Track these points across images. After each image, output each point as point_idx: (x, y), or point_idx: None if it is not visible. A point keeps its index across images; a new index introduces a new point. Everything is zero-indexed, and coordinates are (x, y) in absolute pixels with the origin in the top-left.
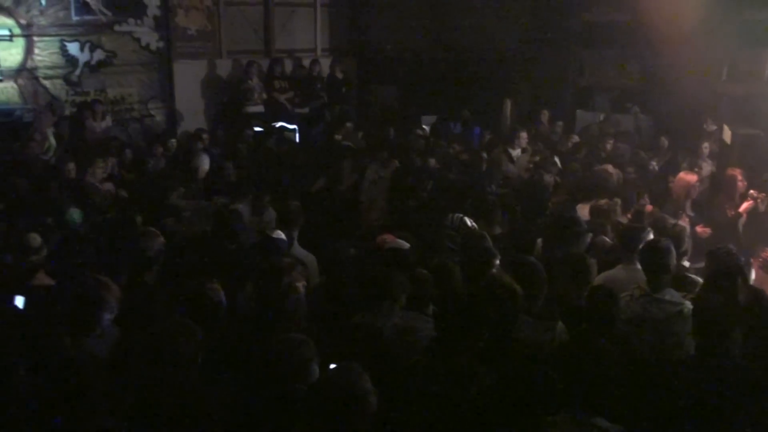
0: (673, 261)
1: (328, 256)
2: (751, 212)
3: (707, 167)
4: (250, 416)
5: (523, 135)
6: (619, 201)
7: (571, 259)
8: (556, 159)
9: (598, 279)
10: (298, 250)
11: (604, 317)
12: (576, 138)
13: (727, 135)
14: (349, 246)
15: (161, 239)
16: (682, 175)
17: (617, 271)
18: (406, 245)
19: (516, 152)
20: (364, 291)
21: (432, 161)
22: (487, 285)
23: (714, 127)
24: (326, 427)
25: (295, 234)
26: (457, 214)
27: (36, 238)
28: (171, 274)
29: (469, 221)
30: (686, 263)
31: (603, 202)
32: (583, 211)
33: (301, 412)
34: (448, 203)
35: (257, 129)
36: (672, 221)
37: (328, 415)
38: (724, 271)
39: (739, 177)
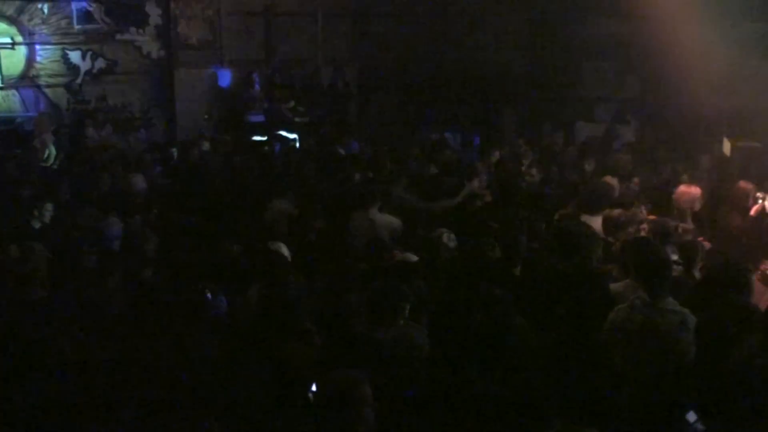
0: (671, 269)
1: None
2: (755, 222)
3: (706, 180)
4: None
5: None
6: (638, 212)
7: (569, 269)
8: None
9: None
10: None
11: (598, 327)
12: (574, 150)
13: (726, 147)
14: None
15: (155, 239)
16: (684, 188)
17: (620, 285)
18: (414, 258)
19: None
20: (367, 302)
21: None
22: (479, 295)
23: (708, 139)
24: None
25: None
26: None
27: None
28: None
29: None
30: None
31: (617, 212)
32: (595, 223)
33: (303, 417)
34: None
35: (258, 138)
36: (674, 223)
37: (328, 422)
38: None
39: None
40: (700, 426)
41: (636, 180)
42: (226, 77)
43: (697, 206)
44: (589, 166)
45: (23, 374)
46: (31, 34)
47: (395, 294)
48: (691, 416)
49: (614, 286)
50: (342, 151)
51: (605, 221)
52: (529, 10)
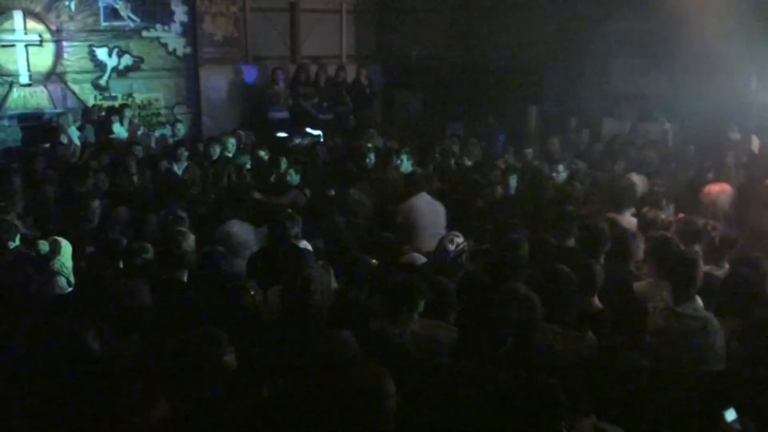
0: (701, 272)
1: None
2: None
3: (733, 177)
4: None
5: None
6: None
7: (578, 266)
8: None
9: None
10: None
11: (633, 329)
12: (601, 146)
13: (755, 144)
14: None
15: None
16: (712, 186)
17: (644, 284)
18: (423, 259)
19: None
20: (382, 298)
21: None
22: (504, 295)
23: (738, 136)
24: (347, 426)
25: None
26: None
27: (46, 245)
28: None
29: None
30: (726, 265)
31: (654, 213)
32: (622, 221)
33: (325, 410)
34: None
35: (281, 134)
36: (702, 221)
37: (350, 414)
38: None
39: None
40: (737, 425)
41: (661, 179)
42: (250, 74)
43: (727, 204)
44: (618, 168)
45: (49, 369)
46: (58, 31)
47: (407, 290)
48: (730, 414)
49: (638, 285)
50: (370, 146)
51: (644, 222)
52: (556, 6)
